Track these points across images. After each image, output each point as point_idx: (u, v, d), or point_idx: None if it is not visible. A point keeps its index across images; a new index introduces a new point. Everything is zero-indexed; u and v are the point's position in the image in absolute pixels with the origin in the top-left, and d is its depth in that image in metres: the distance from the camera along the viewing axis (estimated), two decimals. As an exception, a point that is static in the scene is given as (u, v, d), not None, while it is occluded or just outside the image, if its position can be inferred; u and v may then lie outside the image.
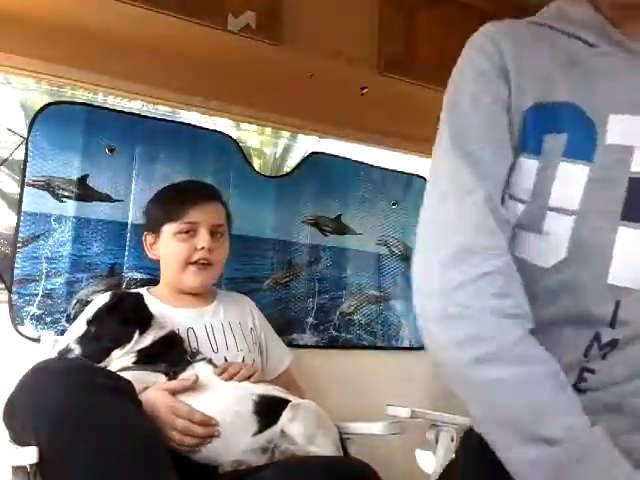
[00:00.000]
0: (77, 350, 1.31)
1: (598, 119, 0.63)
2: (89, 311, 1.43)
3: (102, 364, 1.31)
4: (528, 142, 0.66)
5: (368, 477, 1.19)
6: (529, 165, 0.65)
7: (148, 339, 1.37)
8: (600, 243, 0.61)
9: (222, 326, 1.57)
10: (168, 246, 1.57)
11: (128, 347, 1.34)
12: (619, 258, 0.60)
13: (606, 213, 0.61)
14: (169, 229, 1.56)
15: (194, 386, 1.29)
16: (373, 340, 2.21)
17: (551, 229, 0.63)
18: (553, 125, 0.64)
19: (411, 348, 2.27)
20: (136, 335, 1.36)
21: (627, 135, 0.61)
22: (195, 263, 1.55)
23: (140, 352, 1.35)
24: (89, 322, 1.36)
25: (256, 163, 3.97)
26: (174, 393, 1.26)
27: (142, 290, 1.61)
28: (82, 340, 1.33)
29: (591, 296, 0.62)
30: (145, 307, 1.43)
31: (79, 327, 1.40)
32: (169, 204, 1.59)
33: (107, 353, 1.33)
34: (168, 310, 1.53)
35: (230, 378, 1.36)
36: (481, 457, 0.67)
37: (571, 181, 0.62)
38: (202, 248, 1.53)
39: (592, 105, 0.63)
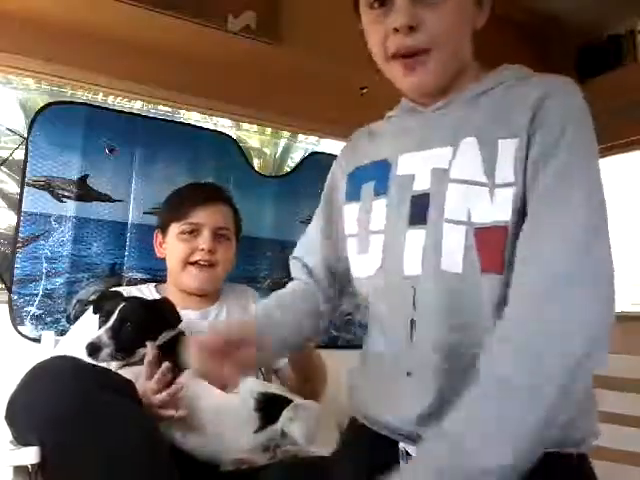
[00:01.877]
0: (111, 346, 1.28)
1: (393, 161, 0.90)
2: (88, 316, 1.42)
3: (127, 360, 1.31)
4: (351, 193, 0.97)
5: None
6: (353, 207, 0.95)
7: (161, 339, 1.37)
8: (398, 247, 0.84)
9: None
10: (172, 245, 1.57)
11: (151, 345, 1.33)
12: (408, 253, 0.83)
13: (399, 224, 0.85)
14: (174, 228, 1.56)
15: (178, 391, 1.26)
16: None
17: (371, 247, 0.89)
18: (366, 177, 0.94)
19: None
20: (162, 336, 1.35)
21: (409, 166, 0.87)
22: (195, 263, 1.55)
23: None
24: (122, 318, 1.32)
25: (256, 163, 3.97)
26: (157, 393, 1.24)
27: (150, 286, 1.61)
28: (116, 335, 1.30)
29: (397, 288, 0.84)
30: (178, 314, 1.42)
31: (79, 331, 1.39)
32: (176, 204, 1.60)
33: (136, 349, 1.32)
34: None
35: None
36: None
37: (379, 210, 0.89)
38: (202, 249, 1.54)
39: (391, 154, 0.91)
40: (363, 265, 0.90)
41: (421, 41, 0.83)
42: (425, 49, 0.83)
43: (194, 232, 1.55)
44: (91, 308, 1.50)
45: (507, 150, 0.77)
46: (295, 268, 1.08)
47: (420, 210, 0.83)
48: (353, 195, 0.95)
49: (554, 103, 0.78)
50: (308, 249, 1.07)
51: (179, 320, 1.40)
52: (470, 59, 0.90)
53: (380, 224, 0.88)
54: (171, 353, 1.37)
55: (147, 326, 1.34)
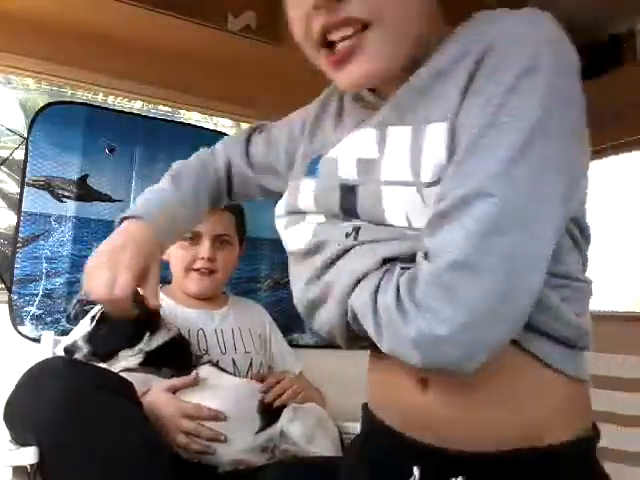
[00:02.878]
0: (85, 348, 1.29)
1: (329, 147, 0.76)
2: (97, 309, 1.42)
3: (107, 363, 1.31)
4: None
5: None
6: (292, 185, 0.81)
7: (157, 341, 1.36)
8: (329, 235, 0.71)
9: (232, 330, 1.58)
10: (174, 251, 1.58)
11: (137, 348, 1.33)
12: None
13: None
14: None
15: (195, 382, 1.28)
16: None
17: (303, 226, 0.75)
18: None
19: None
20: (147, 336, 1.35)
21: (335, 150, 0.74)
22: (197, 270, 1.56)
23: (148, 354, 1.34)
24: (99, 320, 1.34)
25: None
26: (175, 391, 1.26)
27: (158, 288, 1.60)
28: (91, 338, 1.31)
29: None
30: (156, 311, 1.39)
31: (85, 324, 1.39)
32: None
33: (115, 352, 1.32)
34: (181, 309, 1.54)
35: (274, 400, 1.38)
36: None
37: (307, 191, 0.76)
38: (202, 258, 1.55)
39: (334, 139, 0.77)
40: (294, 240, 0.77)
41: (356, 11, 0.63)
42: (361, 23, 0.63)
43: (194, 239, 1.55)
44: (92, 310, 1.50)
45: (435, 137, 0.62)
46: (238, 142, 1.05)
47: (350, 205, 0.70)
48: (311, 170, 0.80)
49: (498, 53, 0.60)
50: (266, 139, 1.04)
51: (154, 321, 1.39)
52: (436, 27, 0.69)
53: (309, 206, 0.76)
54: (171, 356, 1.37)
55: (123, 329, 1.33)
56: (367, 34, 0.64)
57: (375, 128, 0.69)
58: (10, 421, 1.09)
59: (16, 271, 1.66)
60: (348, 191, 0.69)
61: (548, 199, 0.58)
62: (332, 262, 0.67)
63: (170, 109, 2.38)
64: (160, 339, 1.37)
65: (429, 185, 0.62)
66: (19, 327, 1.65)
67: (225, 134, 2.06)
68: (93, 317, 1.36)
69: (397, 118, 0.67)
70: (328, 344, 2.15)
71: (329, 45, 0.67)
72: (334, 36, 0.65)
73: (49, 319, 1.68)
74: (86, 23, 1.61)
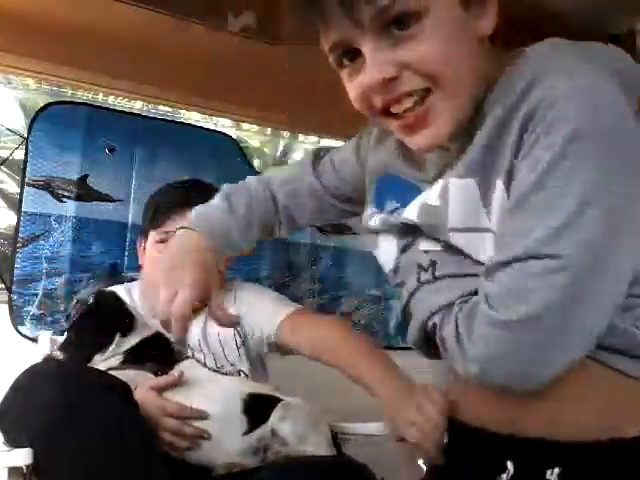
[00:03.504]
0: (61, 357, 1.28)
1: (425, 188, 0.78)
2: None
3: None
4: (376, 200, 0.85)
5: (363, 477, 1.19)
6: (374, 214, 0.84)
7: (133, 340, 1.34)
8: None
9: (207, 336, 1.47)
10: (150, 254, 1.49)
11: (109, 351, 1.31)
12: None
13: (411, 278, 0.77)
14: (152, 236, 1.48)
15: (179, 381, 1.27)
16: (373, 340, 2.21)
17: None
18: (393, 194, 0.82)
19: (411, 348, 2.27)
20: (117, 337, 1.32)
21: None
22: None
23: (126, 353, 1.32)
24: (69, 329, 1.34)
25: (256, 163, 3.97)
26: (160, 390, 1.25)
27: (132, 285, 1.56)
28: (64, 347, 1.31)
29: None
30: (124, 308, 1.37)
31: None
32: (152, 209, 1.50)
33: (88, 359, 1.29)
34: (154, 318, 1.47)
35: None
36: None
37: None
38: None
39: (423, 176, 0.79)
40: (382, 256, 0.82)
41: (412, 85, 0.65)
42: (419, 92, 0.65)
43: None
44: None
45: (499, 192, 0.66)
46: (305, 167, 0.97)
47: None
48: (377, 202, 0.83)
49: (543, 117, 0.61)
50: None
51: (129, 317, 1.36)
52: (486, 74, 0.69)
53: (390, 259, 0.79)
54: (152, 353, 1.35)
55: (88, 335, 1.32)
56: (430, 99, 0.66)
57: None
58: (4, 423, 1.09)
59: (16, 271, 1.67)
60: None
61: (605, 273, 0.60)
62: (412, 295, 0.74)
63: (170, 109, 2.37)
64: (134, 339, 1.34)
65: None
66: (19, 327, 1.65)
67: (225, 134, 2.07)
68: (69, 327, 1.36)
69: (464, 172, 0.69)
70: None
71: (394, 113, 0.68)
72: (397, 109, 0.67)
73: (49, 319, 1.68)
74: (86, 23, 1.61)
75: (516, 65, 0.67)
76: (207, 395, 1.29)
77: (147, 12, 1.56)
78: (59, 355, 1.29)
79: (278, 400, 1.34)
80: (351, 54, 0.66)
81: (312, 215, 0.99)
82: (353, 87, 0.68)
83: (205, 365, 1.40)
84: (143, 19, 1.59)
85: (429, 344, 0.73)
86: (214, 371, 1.41)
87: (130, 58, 1.70)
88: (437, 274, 0.71)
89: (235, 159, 2.01)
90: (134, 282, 1.60)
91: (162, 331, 1.40)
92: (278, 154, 4.60)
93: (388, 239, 0.78)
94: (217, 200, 0.93)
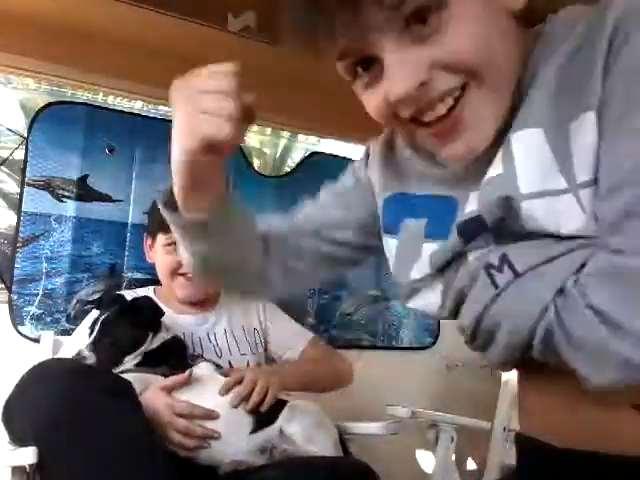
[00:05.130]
0: (91, 359, 1.28)
1: (462, 199, 0.65)
2: (93, 317, 1.42)
3: (114, 370, 1.30)
4: (387, 224, 0.73)
5: (367, 477, 1.19)
6: (391, 242, 0.72)
7: (156, 342, 1.36)
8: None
9: (225, 332, 1.56)
10: (160, 254, 1.57)
11: (140, 350, 1.33)
12: None
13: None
14: (161, 239, 1.56)
15: (188, 381, 1.28)
16: (373, 340, 2.21)
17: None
18: (412, 211, 0.70)
19: (411, 348, 2.28)
20: (149, 339, 1.35)
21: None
22: (184, 275, 1.54)
23: (146, 354, 1.34)
24: (102, 330, 1.33)
25: (256, 163, 3.97)
26: (169, 390, 1.26)
27: (149, 291, 1.60)
28: (96, 347, 1.30)
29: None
30: (158, 310, 1.41)
31: (83, 332, 1.39)
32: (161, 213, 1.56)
33: (121, 358, 1.31)
34: (172, 315, 1.52)
35: (239, 402, 1.30)
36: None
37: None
38: None
39: (457, 186, 0.66)
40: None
41: (447, 84, 0.55)
42: (455, 92, 0.56)
43: None
44: (91, 313, 1.50)
45: (584, 130, 0.53)
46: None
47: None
48: (390, 227, 0.71)
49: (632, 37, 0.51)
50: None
51: (156, 321, 1.39)
52: (522, 53, 0.59)
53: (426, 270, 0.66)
54: (168, 356, 1.36)
55: (127, 335, 1.33)
56: (467, 98, 0.56)
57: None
58: (9, 422, 1.09)
59: (16, 271, 1.66)
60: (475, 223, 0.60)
61: None
62: (487, 308, 0.57)
63: (170, 109, 2.36)
64: (157, 341, 1.37)
65: (586, 185, 0.54)
66: (19, 327, 1.65)
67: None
68: (92, 325, 1.36)
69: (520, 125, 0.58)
70: (328, 344, 2.14)
71: (423, 124, 0.58)
72: (429, 117, 0.57)
73: (49, 319, 1.68)
74: (86, 23, 1.61)
75: (551, 27, 0.59)
76: (214, 396, 1.30)
77: (147, 12, 1.56)
78: (90, 356, 1.28)
79: (284, 401, 1.35)
80: (366, 62, 0.58)
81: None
82: (373, 98, 0.59)
83: (218, 366, 1.40)
84: (143, 19, 1.59)
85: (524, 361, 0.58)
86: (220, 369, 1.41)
87: (130, 58, 1.70)
88: (519, 269, 0.55)
89: (235, 159, 2.00)
90: (152, 287, 1.64)
91: (181, 335, 1.43)
92: (278, 154, 4.59)
93: (431, 286, 0.64)
94: None
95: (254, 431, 1.28)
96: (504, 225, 0.57)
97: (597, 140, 0.53)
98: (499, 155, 0.57)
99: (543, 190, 0.54)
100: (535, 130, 0.55)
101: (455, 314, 0.62)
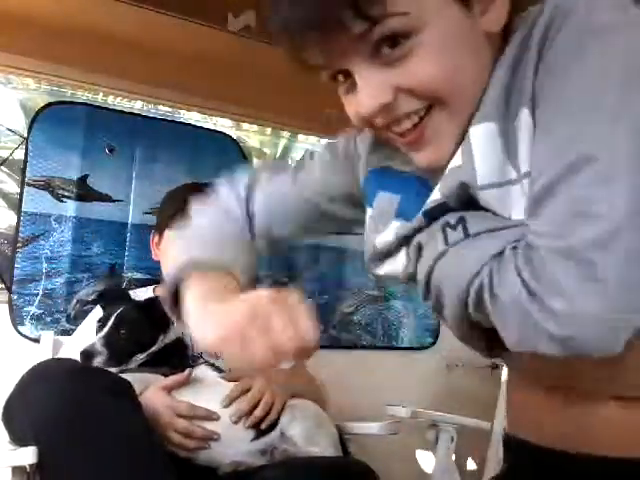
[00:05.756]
0: (104, 353, 1.28)
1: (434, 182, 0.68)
2: (97, 313, 1.41)
3: (121, 367, 1.31)
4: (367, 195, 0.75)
5: (367, 477, 1.19)
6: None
7: (161, 343, 1.37)
8: None
9: None
10: (167, 252, 1.55)
11: (150, 351, 1.34)
12: None
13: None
14: (170, 235, 1.54)
15: (188, 380, 1.28)
16: (373, 340, 2.21)
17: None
18: (389, 185, 0.72)
19: (411, 348, 2.28)
20: (160, 339, 1.35)
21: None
22: None
23: (151, 355, 1.34)
24: (117, 324, 1.32)
25: (256, 163, 3.97)
26: (169, 390, 1.26)
27: (149, 291, 1.60)
28: (110, 342, 1.30)
29: None
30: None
31: (87, 330, 1.39)
32: (172, 210, 1.53)
33: (131, 357, 1.32)
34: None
35: (239, 418, 1.28)
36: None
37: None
38: None
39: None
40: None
41: (410, 107, 0.59)
42: (421, 111, 0.60)
43: None
44: (94, 310, 1.50)
45: (525, 124, 0.57)
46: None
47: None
48: (369, 199, 0.74)
49: (561, 30, 0.55)
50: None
51: (169, 322, 1.38)
52: (491, 60, 0.61)
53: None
54: (171, 356, 1.37)
55: (142, 333, 1.34)
56: (432, 116, 0.60)
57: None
58: (9, 422, 1.09)
59: (16, 271, 1.67)
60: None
61: None
62: (437, 260, 0.60)
63: (170, 109, 2.37)
64: (167, 339, 1.37)
65: (528, 176, 0.57)
66: (19, 327, 1.65)
67: (225, 134, 2.07)
68: (101, 320, 1.35)
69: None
70: (328, 344, 2.15)
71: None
72: (397, 129, 0.62)
73: (49, 319, 1.68)
74: (86, 23, 1.61)
75: (515, 25, 0.61)
76: (217, 397, 1.30)
77: (147, 12, 1.56)
78: (103, 351, 1.28)
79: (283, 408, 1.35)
80: (342, 72, 0.61)
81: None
82: (350, 106, 0.64)
83: (218, 369, 1.40)
84: (143, 19, 1.59)
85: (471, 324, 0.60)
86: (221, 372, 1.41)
87: (130, 58, 1.70)
88: (471, 231, 0.58)
89: (235, 159, 2.00)
90: (152, 287, 1.63)
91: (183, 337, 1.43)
92: (278, 154, 4.60)
93: (396, 252, 0.67)
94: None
95: (255, 438, 1.28)
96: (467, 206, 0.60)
97: (532, 135, 0.56)
98: (460, 148, 0.60)
99: (496, 181, 0.57)
100: (489, 124, 0.58)
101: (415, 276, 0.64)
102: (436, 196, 0.61)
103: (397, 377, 2.11)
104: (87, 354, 1.28)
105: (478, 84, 0.60)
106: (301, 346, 0.58)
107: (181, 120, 2.30)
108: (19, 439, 1.05)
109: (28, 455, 0.99)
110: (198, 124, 2.16)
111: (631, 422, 0.60)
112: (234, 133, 2.51)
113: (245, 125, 2.94)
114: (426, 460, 2.09)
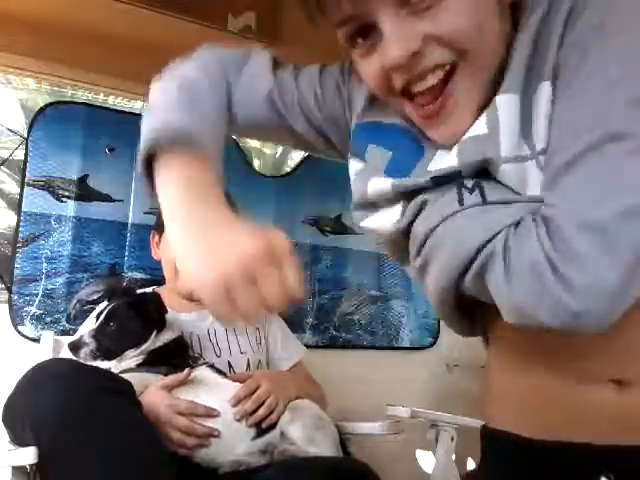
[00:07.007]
0: (92, 345, 1.28)
1: (428, 148, 0.67)
2: (102, 306, 1.42)
3: (113, 362, 1.31)
4: (356, 148, 0.72)
5: (368, 478, 1.19)
6: (355, 164, 0.71)
7: (159, 342, 1.36)
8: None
9: (225, 330, 1.55)
10: (167, 251, 1.56)
11: (143, 347, 1.33)
12: None
13: None
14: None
15: (187, 379, 1.28)
16: (373, 340, 2.21)
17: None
18: (381, 139, 0.70)
19: (411, 348, 2.28)
20: (153, 336, 1.35)
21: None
22: None
23: (149, 353, 1.34)
24: (108, 317, 1.33)
25: (256, 163, 3.97)
26: (170, 389, 1.26)
27: (160, 289, 1.60)
28: (98, 335, 1.30)
29: None
30: (164, 307, 1.41)
31: (91, 322, 1.39)
32: None
33: (122, 352, 1.32)
34: (174, 314, 1.51)
35: (242, 417, 1.29)
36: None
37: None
38: None
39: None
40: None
41: (438, 58, 0.58)
42: (445, 68, 0.59)
43: None
44: (94, 310, 1.50)
45: (541, 101, 0.57)
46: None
47: None
48: (357, 151, 0.71)
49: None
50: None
51: (162, 318, 1.39)
52: (507, 35, 0.61)
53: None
54: (170, 356, 1.37)
55: (131, 327, 1.33)
56: (455, 77, 0.59)
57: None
58: (9, 422, 1.09)
59: (16, 271, 1.67)
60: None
61: None
62: (445, 219, 0.59)
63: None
64: (164, 338, 1.37)
65: (543, 153, 0.57)
66: (19, 327, 1.65)
67: (225, 134, 2.07)
68: (99, 314, 1.36)
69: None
70: (328, 344, 2.15)
71: (413, 96, 0.62)
72: (419, 87, 0.60)
73: (49, 319, 1.68)
74: (86, 23, 1.61)
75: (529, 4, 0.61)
76: (217, 397, 1.30)
77: (147, 12, 1.56)
78: (91, 343, 1.29)
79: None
80: (364, 31, 0.60)
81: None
82: (369, 66, 0.62)
83: (218, 370, 1.40)
84: (143, 19, 1.59)
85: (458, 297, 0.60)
86: (227, 377, 1.41)
87: (130, 58, 1.70)
88: (488, 199, 0.57)
89: (235, 159, 2.01)
90: (152, 287, 1.63)
91: (183, 334, 1.43)
92: (278, 154, 4.59)
93: (392, 206, 0.65)
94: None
95: (256, 437, 1.29)
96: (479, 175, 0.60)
97: (548, 111, 0.56)
98: (484, 115, 0.59)
99: (514, 155, 0.57)
100: (513, 96, 0.58)
101: (407, 233, 0.63)
102: (452, 162, 0.60)
103: (397, 377, 2.11)
104: (74, 345, 1.29)
105: (499, 48, 0.60)
106: (287, 300, 0.54)
107: (181, 120, 2.30)
108: (19, 439, 1.05)
109: (28, 455, 0.99)
110: (198, 124, 2.16)
111: (628, 406, 0.59)
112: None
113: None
114: (426, 460, 2.09)
